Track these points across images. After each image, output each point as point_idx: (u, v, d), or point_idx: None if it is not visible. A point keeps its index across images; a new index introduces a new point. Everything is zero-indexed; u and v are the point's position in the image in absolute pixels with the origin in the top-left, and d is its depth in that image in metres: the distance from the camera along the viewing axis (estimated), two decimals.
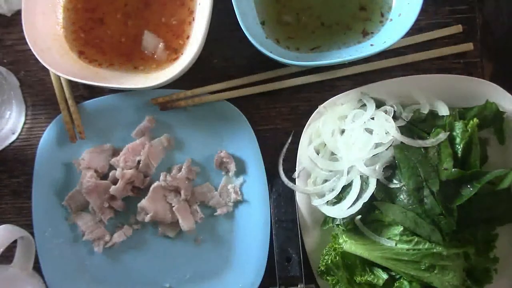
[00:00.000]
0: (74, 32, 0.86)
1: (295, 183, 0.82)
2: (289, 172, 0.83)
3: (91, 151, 0.86)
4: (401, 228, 0.73)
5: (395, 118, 0.79)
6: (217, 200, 0.85)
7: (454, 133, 0.76)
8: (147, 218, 0.83)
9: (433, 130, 0.77)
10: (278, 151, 0.85)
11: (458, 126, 0.75)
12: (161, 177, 0.85)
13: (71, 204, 0.85)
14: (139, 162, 0.85)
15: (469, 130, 0.74)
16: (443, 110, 0.80)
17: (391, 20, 0.82)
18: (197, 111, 0.86)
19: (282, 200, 0.83)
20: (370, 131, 0.78)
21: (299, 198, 0.82)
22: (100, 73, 0.84)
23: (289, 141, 0.85)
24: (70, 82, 0.87)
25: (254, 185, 0.84)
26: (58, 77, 0.88)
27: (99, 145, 0.87)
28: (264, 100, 0.88)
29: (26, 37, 0.78)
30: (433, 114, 0.80)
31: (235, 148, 0.86)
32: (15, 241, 0.79)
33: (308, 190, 0.81)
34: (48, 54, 0.80)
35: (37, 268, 0.84)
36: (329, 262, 0.75)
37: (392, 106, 0.80)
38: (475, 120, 0.75)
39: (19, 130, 0.89)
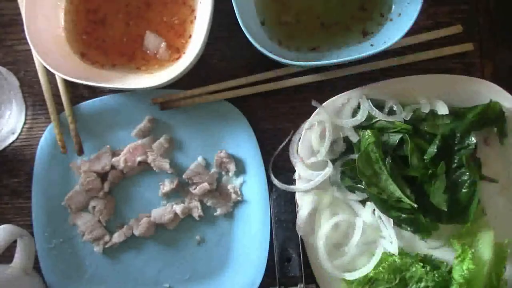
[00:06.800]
0: (76, 34, 0.86)
1: (295, 184, 0.82)
2: (289, 172, 0.83)
3: (90, 161, 0.86)
4: None
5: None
6: (217, 200, 0.85)
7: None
8: (147, 219, 0.83)
9: None
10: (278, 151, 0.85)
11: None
12: None
13: (70, 204, 0.85)
14: (139, 162, 0.85)
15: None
16: (443, 110, 0.80)
17: (391, 20, 0.82)
18: (197, 111, 0.86)
19: (282, 200, 0.83)
20: None
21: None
22: (102, 74, 0.84)
23: (284, 142, 0.84)
24: (67, 90, 0.87)
25: (254, 185, 0.84)
26: (49, 86, 0.87)
27: (97, 153, 0.86)
28: (264, 100, 0.88)
29: (28, 40, 0.78)
30: (433, 114, 0.80)
31: (235, 148, 0.86)
32: (15, 241, 0.79)
33: (299, 188, 0.81)
34: (51, 57, 0.80)
35: (37, 268, 0.84)
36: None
37: (392, 106, 0.80)
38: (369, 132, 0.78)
39: (19, 130, 0.89)
